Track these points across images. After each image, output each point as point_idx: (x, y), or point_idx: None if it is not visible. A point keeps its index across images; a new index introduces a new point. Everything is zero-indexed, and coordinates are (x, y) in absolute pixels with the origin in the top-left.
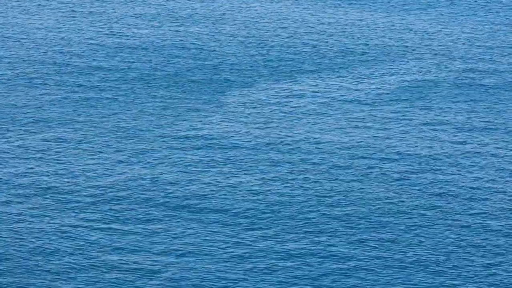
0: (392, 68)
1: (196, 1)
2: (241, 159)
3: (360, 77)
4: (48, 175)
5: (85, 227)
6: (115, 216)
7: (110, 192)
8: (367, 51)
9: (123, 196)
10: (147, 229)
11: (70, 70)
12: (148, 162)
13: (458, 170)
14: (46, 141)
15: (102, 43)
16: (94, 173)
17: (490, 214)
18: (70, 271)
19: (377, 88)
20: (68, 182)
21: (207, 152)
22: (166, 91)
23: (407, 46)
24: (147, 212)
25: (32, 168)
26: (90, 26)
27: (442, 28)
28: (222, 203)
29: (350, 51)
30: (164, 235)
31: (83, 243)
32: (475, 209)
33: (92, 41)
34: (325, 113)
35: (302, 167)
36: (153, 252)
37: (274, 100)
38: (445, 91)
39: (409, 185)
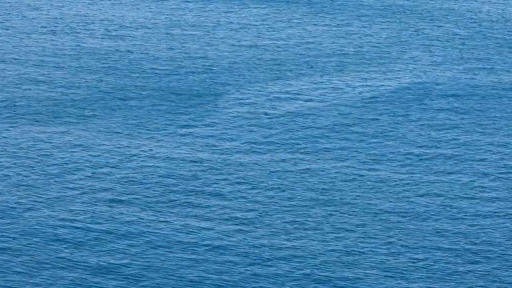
0: (387, 71)
1: (189, 7)
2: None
3: (355, 80)
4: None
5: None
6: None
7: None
8: (361, 53)
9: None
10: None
11: (61, 72)
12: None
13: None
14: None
15: (95, 48)
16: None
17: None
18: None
19: (372, 90)
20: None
21: (200, 156)
22: (158, 95)
23: (402, 48)
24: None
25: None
26: (84, 29)
27: (435, 28)
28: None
29: (343, 53)
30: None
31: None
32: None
33: (85, 45)
34: (319, 116)
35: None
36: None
37: (269, 103)
38: (439, 95)
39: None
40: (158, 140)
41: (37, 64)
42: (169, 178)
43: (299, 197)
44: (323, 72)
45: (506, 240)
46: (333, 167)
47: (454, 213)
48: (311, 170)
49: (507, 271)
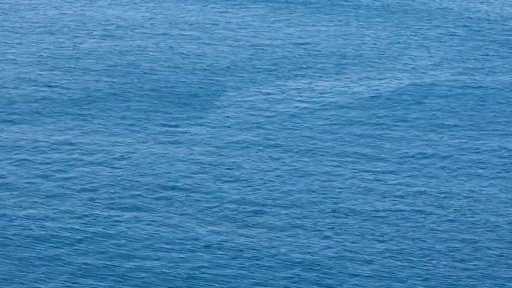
0: (385, 71)
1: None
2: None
3: (353, 80)
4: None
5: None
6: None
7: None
8: (360, 53)
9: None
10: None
11: (59, 72)
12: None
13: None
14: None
15: (93, 48)
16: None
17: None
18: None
19: (370, 91)
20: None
21: (199, 155)
22: (156, 95)
23: (400, 49)
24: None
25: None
26: (81, 29)
27: (432, 29)
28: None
29: (342, 54)
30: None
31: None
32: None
33: (82, 46)
34: (316, 116)
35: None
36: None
37: (267, 104)
38: (437, 95)
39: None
40: (155, 140)
41: (35, 64)
42: (165, 177)
43: (295, 197)
44: (321, 72)
45: (500, 241)
46: (330, 167)
47: (450, 212)
48: (308, 171)
49: (506, 269)
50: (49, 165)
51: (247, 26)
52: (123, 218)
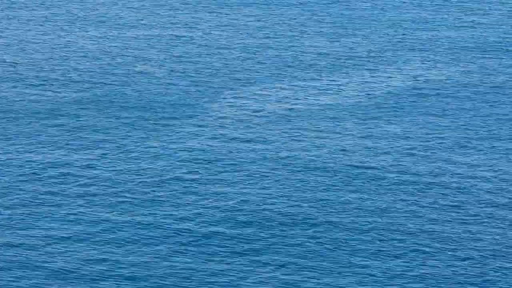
0: (380, 74)
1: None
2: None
3: (348, 82)
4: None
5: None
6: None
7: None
8: (355, 56)
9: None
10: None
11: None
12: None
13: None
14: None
15: (87, 49)
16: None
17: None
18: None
19: (365, 93)
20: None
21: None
22: (151, 96)
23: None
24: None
25: None
26: (75, 30)
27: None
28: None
29: (336, 56)
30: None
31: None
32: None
33: (76, 48)
34: (312, 118)
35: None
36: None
37: (262, 104)
38: (432, 97)
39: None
40: (150, 141)
41: (30, 65)
42: (160, 179)
43: (287, 200)
44: (315, 74)
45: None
46: (323, 172)
47: (445, 211)
48: (301, 175)
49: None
50: (31, 175)
51: (242, 27)
52: (114, 230)
